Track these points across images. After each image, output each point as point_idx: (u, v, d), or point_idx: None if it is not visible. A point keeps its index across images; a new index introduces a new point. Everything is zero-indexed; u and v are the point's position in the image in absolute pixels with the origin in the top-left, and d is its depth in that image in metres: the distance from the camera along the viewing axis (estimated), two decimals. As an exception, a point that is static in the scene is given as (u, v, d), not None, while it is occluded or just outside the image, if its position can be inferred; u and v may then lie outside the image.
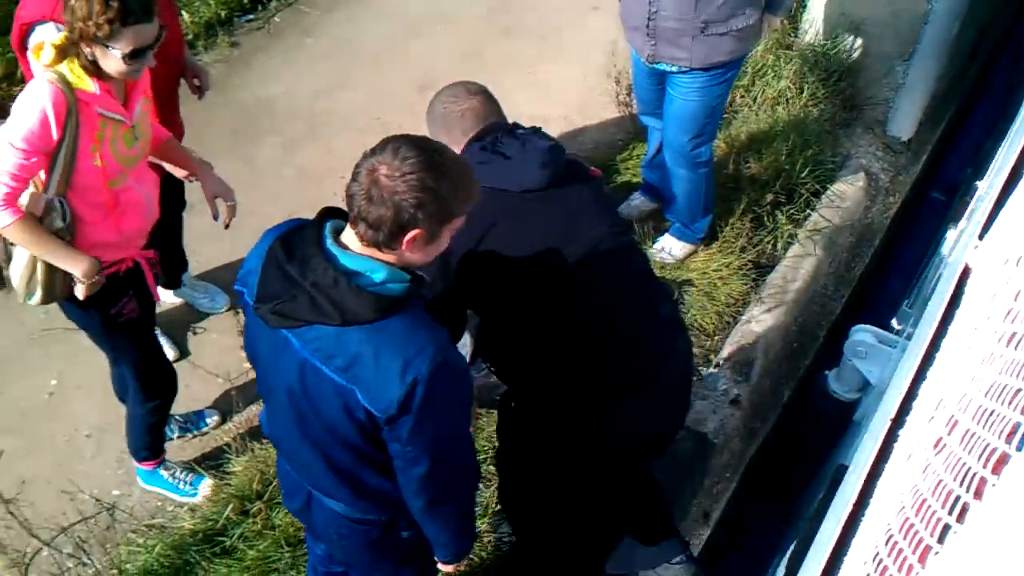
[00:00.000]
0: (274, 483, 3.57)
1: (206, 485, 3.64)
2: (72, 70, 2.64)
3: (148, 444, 3.53)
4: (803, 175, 4.91)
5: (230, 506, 3.53)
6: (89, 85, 2.65)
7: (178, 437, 3.85)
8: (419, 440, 2.04)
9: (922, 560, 1.07)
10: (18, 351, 4.08)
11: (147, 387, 3.36)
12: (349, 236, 2.00)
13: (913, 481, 1.30)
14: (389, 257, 1.99)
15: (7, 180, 2.64)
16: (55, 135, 2.62)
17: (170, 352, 4.10)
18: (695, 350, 4.19)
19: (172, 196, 3.80)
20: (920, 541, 1.09)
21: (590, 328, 2.64)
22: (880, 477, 1.74)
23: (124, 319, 3.10)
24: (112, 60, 2.61)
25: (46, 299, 2.92)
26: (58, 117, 2.61)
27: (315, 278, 1.96)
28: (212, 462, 3.79)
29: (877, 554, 1.22)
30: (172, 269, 4.15)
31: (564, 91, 5.52)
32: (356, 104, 5.40)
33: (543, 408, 2.74)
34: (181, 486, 3.64)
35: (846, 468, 2.15)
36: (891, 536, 1.21)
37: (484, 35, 5.95)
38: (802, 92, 5.28)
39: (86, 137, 2.69)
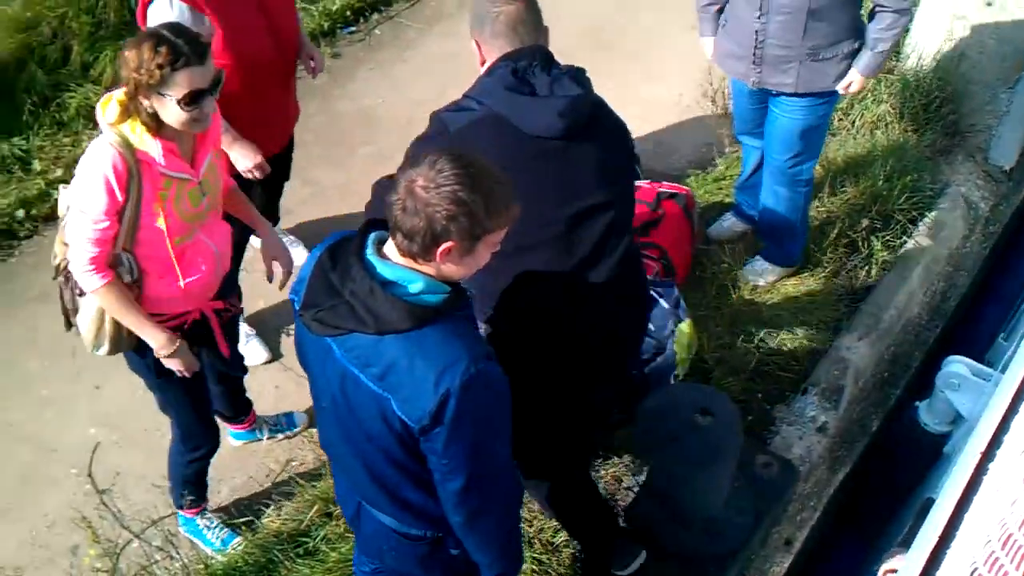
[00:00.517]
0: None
1: (237, 543, 3.60)
2: (134, 130, 2.64)
3: (188, 491, 3.51)
4: (900, 201, 4.82)
5: (315, 507, 3.60)
6: (151, 146, 2.65)
7: (268, 439, 3.93)
8: (454, 452, 2.04)
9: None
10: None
11: (188, 440, 3.37)
12: (390, 247, 2.03)
13: (1001, 514, 1.27)
14: (427, 268, 2.01)
15: (88, 247, 2.69)
16: (120, 198, 2.64)
17: (263, 353, 4.20)
18: (784, 375, 4.15)
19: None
20: (1006, 574, 1.08)
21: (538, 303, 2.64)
22: (967, 510, 1.71)
23: (180, 375, 3.12)
24: (170, 108, 2.60)
25: (113, 351, 2.98)
26: (120, 182, 2.62)
27: (353, 287, 2.00)
28: (299, 464, 3.87)
29: (962, 587, 1.20)
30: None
31: (659, 109, 5.52)
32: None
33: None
34: (212, 539, 3.62)
35: (933, 501, 2.11)
36: (975, 569, 1.19)
37: (579, 52, 5.92)
38: (902, 117, 5.19)
39: (148, 198, 2.70)
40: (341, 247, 2.09)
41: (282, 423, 3.96)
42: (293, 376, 4.13)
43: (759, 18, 3.67)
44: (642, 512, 3.65)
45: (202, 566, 3.47)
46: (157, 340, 2.91)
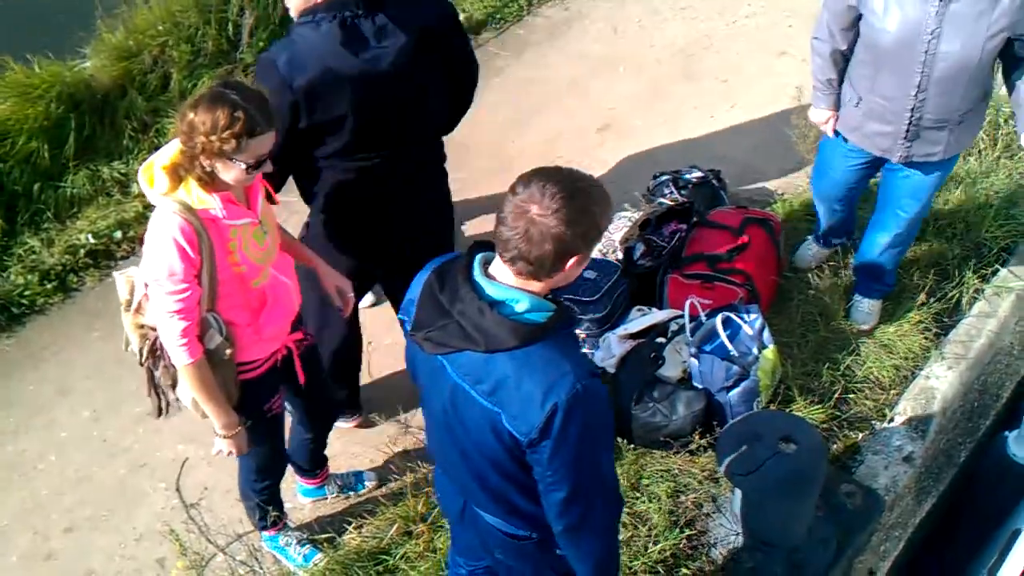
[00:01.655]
0: (438, 507, 3.66)
1: (318, 559, 3.63)
2: (189, 192, 2.66)
3: (264, 515, 3.54)
4: (993, 229, 4.71)
5: (395, 526, 3.63)
6: (211, 203, 2.67)
7: (334, 497, 3.91)
8: (559, 465, 2.11)
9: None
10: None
11: (262, 472, 3.42)
12: (498, 268, 2.09)
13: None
14: (539, 286, 2.08)
15: (177, 320, 2.72)
16: (195, 260, 2.67)
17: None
18: (869, 403, 4.08)
19: None
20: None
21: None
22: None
23: (272, 414, 3.19)
24: (234, 172, 2.64)
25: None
26: (192, 245, 2.64)
27: (462, 307, 2.07)
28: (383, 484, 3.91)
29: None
30: None
31: (745, 135, 5.50)
32: (538, 142, 5.53)
33: None
34: (294, 555, 3.65)
35: (1020, 532, 2.06)
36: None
37: (666, 77, 5.99)
38: (996, 144, 5.08)
39: (221, 252, 2.72)
40: (448, 269, 2.17)
41: (351, 482, 3.95)
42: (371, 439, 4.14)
43: (916, 95, 3.51)
44: (722, 540, 3.61)
45: (284, 581, 3.53)
46: (225, 421, 2.97)
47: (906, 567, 3.85)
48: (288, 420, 3.47)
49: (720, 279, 4.20)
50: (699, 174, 4.83)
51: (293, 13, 3.23)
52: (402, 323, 2.30)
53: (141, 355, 2.96)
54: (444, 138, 3.71)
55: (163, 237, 2.64)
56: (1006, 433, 4.02)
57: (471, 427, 2.19)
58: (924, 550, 3.92)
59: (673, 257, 4.33)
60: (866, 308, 4.41)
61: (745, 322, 3.92)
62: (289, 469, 3.64)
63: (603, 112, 5.69)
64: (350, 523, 3.76)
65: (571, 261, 2.04)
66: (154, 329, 2.87)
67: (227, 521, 3.80)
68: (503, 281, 2.08)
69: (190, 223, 2.63)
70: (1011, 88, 3.63)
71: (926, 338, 4.34)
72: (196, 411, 2.99)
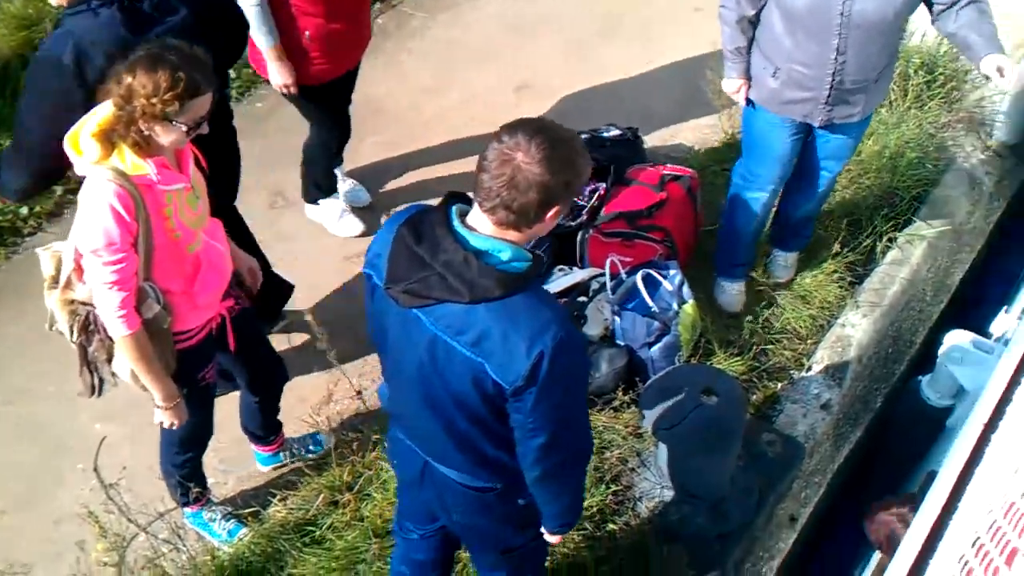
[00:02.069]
0: (364, 475, 3.64)
1: (243, 534, 3.59)
2: (123, 158, 2.61)
3: (186, 490, 3.50)
4: (905, 179, 4.80)
5: (321, 496, 3.60)
6: (146, 168, 2.63)
7: (293, 461, 3.86)
8: (541, 411, 2.14)
9: (1009, 562, 1.05)
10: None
11: (187, 444, 3.37)
12: (476, 218, 2.09)
13: (1004, 485, 1.27)
14: (519, 236, 2.09)
15: (116, 291, 2.66)
16: (133, 226, 2.62)
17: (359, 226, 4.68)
18: (788, 353, 4.15)
19: None
20: (1008, 543, 1.07)
21: None
22: (970, 482, 1.70)
23: (204, 383, 3.15)
24: (174, 134, 2.61)
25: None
26: (129, 211, 2.59)
27: (446, 258, 2.06)
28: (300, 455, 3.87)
29: (963, 556, 1.20)
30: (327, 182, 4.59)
31: (662, 92, 5.51)
32: (455, 103, 5.47)
33: None
34: (218, 530, 3.61)
35: (936, 474, 2.10)
36: (978, 539, 1.18)
37: (584, 35, 5.96)
38: (906, 95, 5.16)
39: (157, 218, 2.68)
40: (421, 221, 2.15)
41: (307, 444, 3.90)
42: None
43: (836, 59, 3.49)
44: (648, 494, 3.65)
45: (209, 557, 3.47)
46: (164, 392, 2.93)
47: (826, 512, 3.92)
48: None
49: (639, 236, 4.22)
50: (617, 132, 4.82)
51: (60, 1, 3.08)
52: (368, 278, 2.29)
53: (72, 332, 2.89)
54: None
55: (99, 205, 2.58)
56: (919, 378, 4.11)
57: (450, 378, 2.20)
58: (843, 495, 4.00)
59: (593, 216, 4.33)
60: (784, 261, 4.47)
61: (665, 278, 3.94)
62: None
63: (521, 72, 5.64)
64: (275, 496, 3.72)
65: (552, 211, 2.06)
66: (85, 304, 2.82)
67: (148, 500, 3.71)
68: (483, 231, 2.08)
69: (126, 189, 2.59)
70: (945, 29, 3.63)
71: (841, 288, 4.41)
72: (135, 384, 2.93)
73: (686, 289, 3.98)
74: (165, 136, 2.61)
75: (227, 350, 3.19)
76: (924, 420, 3.97)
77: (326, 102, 4.25)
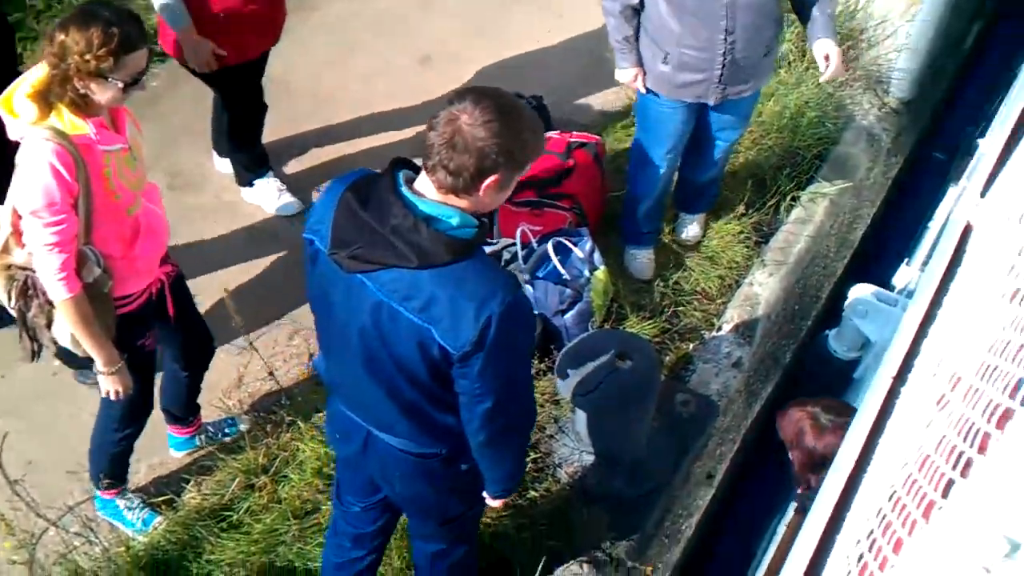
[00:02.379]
0: (280, 457, 3.58)
1: (158, 523, 3.52)
2: (62, 118, 2.57)
3: (113, 473, 3.44)
4: (806, 137, 4.88)
5: (236, 480, 3.54)
6: (83, 127, 2.60)
7: (208, 446, 3.77)
8: (487, 376, 2.15)
9: (926, 515, 1.07)
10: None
11: (126, 418, 3.30)
12: (423, 183, 2.08)
13: (917, 437, 1.29)
14: (463, 203, 2.07)
15: (56, 253, 2.62)
16: (73, 187, 2.59)
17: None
18: (698, 314, 4.20)
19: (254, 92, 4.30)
20: (924, 496, 1.09)
21: None
22: (882, 434, 1.73)
23: (146, 350, 3.11)
24: (110, 91, 2.57)
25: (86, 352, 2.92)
26: (69, 171, 2.56)
27: (395, 223, 2.05)
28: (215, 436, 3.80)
29: (881, 509, 1.22)
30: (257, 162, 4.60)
31: (566, 60, 5.48)
32: (358, 77, 5.37)
33: None
34: (133, 520, 3.53)
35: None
36: (895, 492, 1.20)
37: (486, 5, 5.89)
38: (804, 55, 5.23)
39: (97, 179, 2.66)
40: (366, 186, 2.14)
41: (222, 428, 3.82)
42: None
43: (726, 39, 3.51)
44: (567, 459, 3.67)
45: (123, 549, 3.38)
46: (106, 357, 2.87)
47: (742, 468, 4.00)
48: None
49: (548, 204, 4.22)
50: (522, 101, 4.79)
51: None
52: (310, 243, 2.25)
53: (9, 298, 2.84)
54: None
55: (38, 165, 2.55)
56: (826, 332, 4.21)
57: (395, 344, 2.18)
58: (757, 450, 4.08)
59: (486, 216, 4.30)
60: (690, 223, 4.51)
61: (576, 245, 3.95)
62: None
63: (424, 44, 5.56)
64: (188, 482, 3.65)
65: (490, 180, 2.03)
66: (23, 269, 2.78)
67: (57, 494, 3.61)
68: (430, 197, 2.07)
69: (65, 148, 2.56)
70: (798, 8, 3.73)
71: (748, 247, 4.48)
72: (76, 349, 2.89)
73: (597, 255, 3.99)
74: (101, 94, 2.58)
75: (164, 318, 3.14)
76: (832, 373, 4.07)
77: (245, 80, 4.19)
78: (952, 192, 3.91)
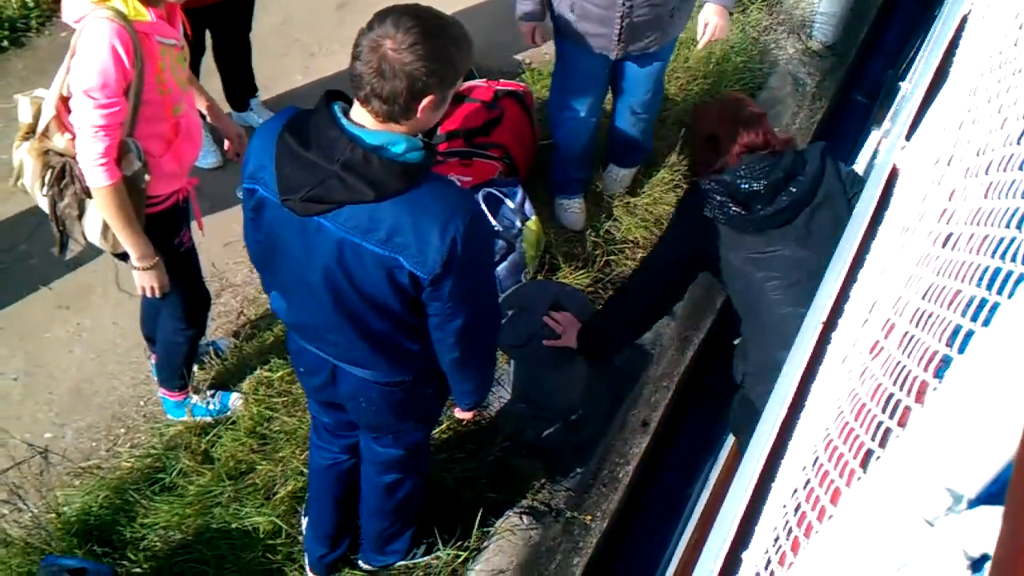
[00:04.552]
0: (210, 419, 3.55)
1: (236, 399, 3.64)
2: (127, 3, 2.54)
3: (183, 374, 3.50)
4: (732, 83, 4.89)
5: (171, 433, 3.49)
6: (145, 15, 2.58)
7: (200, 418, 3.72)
8: (458, 294, 2.16)
9: (863, 464, 1.07)
10: (-66, 296, 3.95)
11: (190, 316, 3.32)
12: (360, 114, 2.05)
13: (850, 385, 1.30)
14: (402, 128, 2.05)
15: (101, 136, 2.59)
16: (130, 72, 2.56)
17: None
18: (630, 263, 4.21)
19: (241, 16, 4.28)
20: (861, 445, 1.09)
21: None
22: (814, 380, 1.75)
23: (184, 248, 3.11)
24: None
25: (118, 248, 2.90)
26: (128, 53, 2.53)
27: (344, 159, 2.02)
28: (149, 400, 3.73)
29: (817, 459, 1.23)
30: (240, 92, 4.57)
31: (489, 8, 5.41)
32: (274, 24, 5.24)
33: None
34: (212, 407, 3.61)
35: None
36: (831, 441, 1.21)
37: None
38: (728, -2, 5.22)
39: (151, 70, 2.64)
40: (302, 123, 2.09)
41: (209, 348, 3.81)
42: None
43: (623, 2, 3.49)
44: (504, 411, 3.67)
45: (53, 515, 3.31)
46: (142, 250, 2.85)
47: (675, 413, 4.04)
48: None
49: (477, 154, 4.17)
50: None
51: None
52: (251, 192, 2.21)
53: (42, 184, 2.80)
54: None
55: (99, 44, 2.51)
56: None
57: (362, 279, 2.17)
58: (692, 398, 4.13)
59: (428, 135, 4.25)
60: (616, 175, 4.50)
61: (507, 196, 3.92)
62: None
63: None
64: (116, 443, 3.58)
65: (425, 101, 2.00)
66: (61, 155, 2.74)
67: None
68: (374, 127, 2.04)
69: (127, 31, 2.53)
70: None
71: (677, 195, 4.49)
72: (104, 244, 2.89)
73: (528, 206, 3.97)
74: None
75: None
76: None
77: (216, 25, 4.17)
78: (875, 135, 3.96)
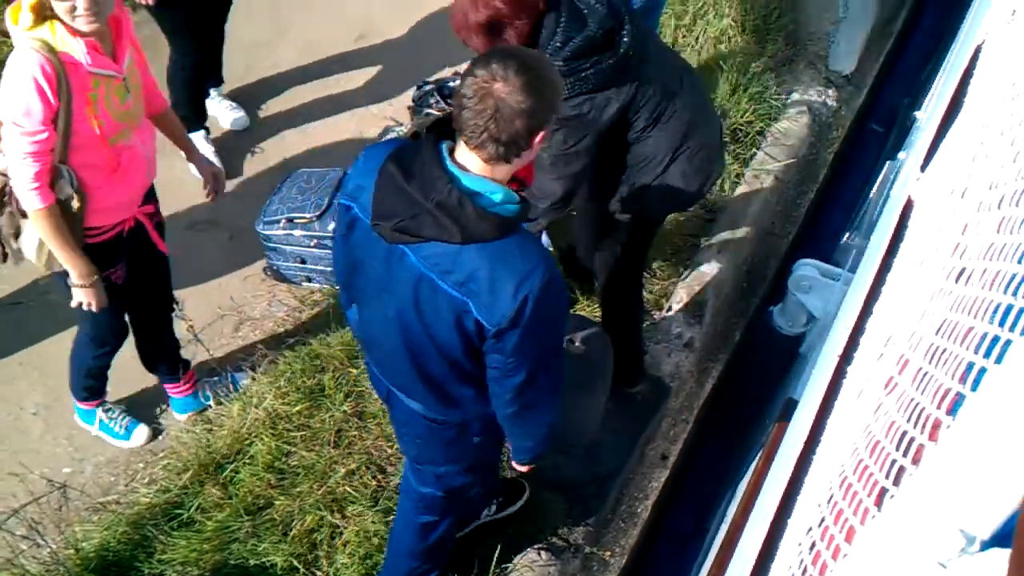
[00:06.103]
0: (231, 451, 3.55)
1: (141, 432, 3.65)
2: (54, 32, 2.59)
3: (89, 386, 3.56)
4: (747, 114, 4.89)
5: (189, 472, 3.48)
6: (74, 46, 2.61)
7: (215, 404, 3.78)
8: (522, 351, 2.18)
9: (878, 502, 1.06)
10: (-44, 332, 3.97)
11: (99, 343, 3.39)
12: (466, 157, 2.08)
13: (865, 421, 1.29)
14: (507, 169, 2.09)
15: (31, 163, 2.65)
16: (53, 103, 2.60)
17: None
18: (648, 296, 4.19)
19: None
20: (876, 483, 1.08)
21: None
22: (830, 414, 1.74)
23: (116, 284, 3.12)
24: (63, 6, 2.56)
25: (54, 266, 2.96)
26: (50, 84, 2.57)
27: (440, 199, 2.05)
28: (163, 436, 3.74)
29: (832, 496, 1.21)
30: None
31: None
32: (293, 55, 5.28)
33: None
34: (116, 428, 3.64)
35: (794, 401, 2.15)
36: (845, 479, 1.20)
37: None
38: (744, 30, 5.24)
39: (79, 100, 2.67)
40: (408, 158, 2.14)
41: (227, 382, 3.81)
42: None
43: None
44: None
45: (72, 551, 3.31)
46: (81, 269, 2.90)
47: (695, 447, 4.02)
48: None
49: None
50: (464, 82, 4.76)
51: None
52: (347, 209, 2.29)
53: None
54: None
55: (22, 75, 2.58)
56: (771, 308, 4.24)
57: (432, 317, 2.21)
58: (710, 430, 4.10)
59: (521, 187, 4.26)
60: None
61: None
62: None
63: (359, 21, 5.48)
64: (134, 479, 3.58)
65: (539, 136, 2.04)
66: (2, 175, 2.81)
67: (2, 496, 3.54)
68: (473, 170, 2.07)
69: (50, 63, 2.59)
70: None
71: (696, 227, 4.48)
72: (38, 262, 2.97)
73: (545, 238, 3.97)
74: (62, 15, 2.59)
75: (137, 255, 3.19)
76: (778, 349, 4.11)
77: (188, 14, 4.18)
78: (890, 165, 3.95)
